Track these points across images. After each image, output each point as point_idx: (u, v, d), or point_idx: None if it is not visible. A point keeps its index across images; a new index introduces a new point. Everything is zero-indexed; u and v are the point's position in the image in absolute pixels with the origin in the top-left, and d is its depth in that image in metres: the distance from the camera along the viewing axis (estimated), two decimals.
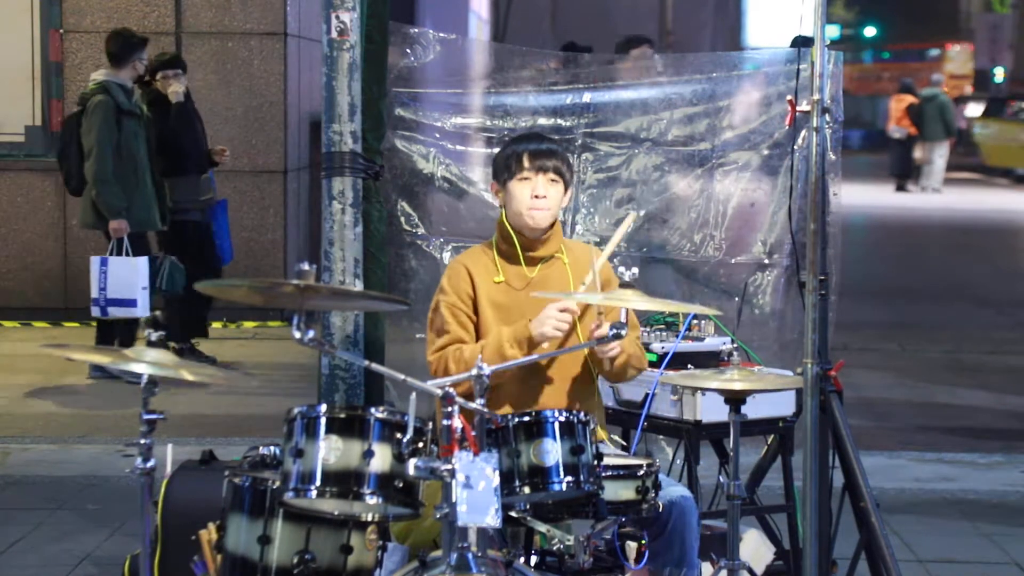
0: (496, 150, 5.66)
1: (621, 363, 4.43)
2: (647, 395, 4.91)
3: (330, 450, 3.60)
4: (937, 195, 25.02)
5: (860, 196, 17.82)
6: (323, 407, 3.69)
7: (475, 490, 3.44)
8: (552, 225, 4.53)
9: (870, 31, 51.59)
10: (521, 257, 4.51)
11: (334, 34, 5.11)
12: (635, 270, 4.08)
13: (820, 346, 4.52)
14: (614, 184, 6.30)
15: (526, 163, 4.47)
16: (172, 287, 9.18)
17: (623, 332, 4.02)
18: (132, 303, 8.74)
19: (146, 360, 3.84)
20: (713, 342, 5.22)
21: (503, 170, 4.52)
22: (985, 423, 8.66)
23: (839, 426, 4.73)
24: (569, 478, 3.79)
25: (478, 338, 4.45)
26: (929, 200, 24.17)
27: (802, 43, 6.64)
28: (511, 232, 4.52)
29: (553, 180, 4.48)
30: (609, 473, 3.99)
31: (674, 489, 4.38)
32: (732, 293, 6.04)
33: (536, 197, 4.46)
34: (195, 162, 9.52)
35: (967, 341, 11.29)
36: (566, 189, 4.54)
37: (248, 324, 11.28)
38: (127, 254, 8.80)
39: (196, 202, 9.57)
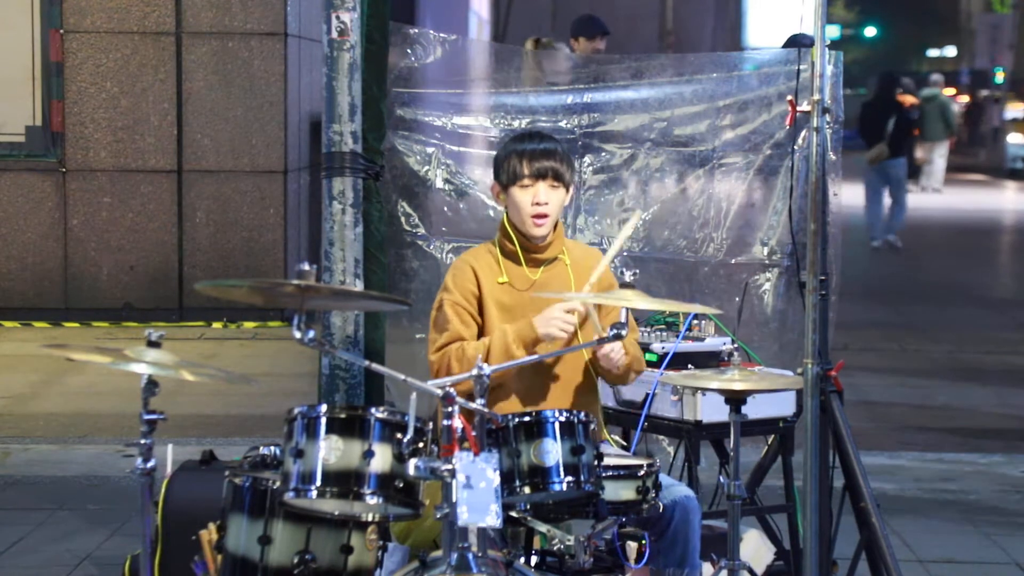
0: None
1: (624, 365, 4.43)
2: (647, 395, 4.90)
3: (330, 450, 3.60)
4: (937, 195, 25.01)
5: (860, 196, 17.81)
6: (323, 407, 3.68)
7: (475, 490, 3.43)
8: (555, 227, 4.53)
9: (870, 31, 51.58)
10: (523, 259, 4.50)
11: (334, 34, 5.11)
12: (636, 271, 4.07)
13: (820, 346, 4.52)
14: (615, 184, 6.29)
15: (526, 169, 4.44)
16: None
17: (623, 332, 4.02)
18: None
19: (146, 360, 3.84)
20: (713, 342, 5.22)
21: (503, 174, 4.49)
22: (985, 423, 8.65)
23: (839, 426, 4.73)
24: (569, 478, 3.79)
25: (482, 337, 4.43)
26: (929, 200, 24.15)
27: (794, 43, 6.65)
28: (513, 234, 4.51)
29: (553, 186, 4.45)
30: (609, 473, 3.99)
31: (677, 489, 4.37)
32: (732, 293, 6.04)
33: (537, 204, 4.44)
34: None
35: (967, 341, 11.28)
36: (568, 189, 4.53)
37: (248, 324, 11.26)
38: None
39: None
